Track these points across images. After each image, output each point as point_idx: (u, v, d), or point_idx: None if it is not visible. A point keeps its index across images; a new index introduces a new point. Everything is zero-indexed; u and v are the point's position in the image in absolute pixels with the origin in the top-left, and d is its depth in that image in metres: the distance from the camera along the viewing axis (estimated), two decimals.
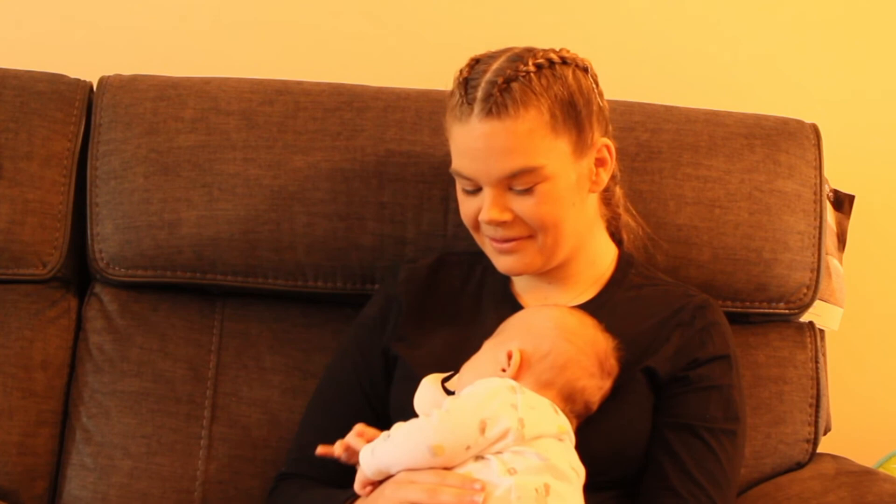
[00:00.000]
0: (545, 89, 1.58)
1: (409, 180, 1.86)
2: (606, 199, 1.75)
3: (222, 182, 1.86)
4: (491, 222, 1.61)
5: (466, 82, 1.60)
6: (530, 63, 1.59)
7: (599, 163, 1.66)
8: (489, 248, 1.66)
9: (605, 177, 1.67)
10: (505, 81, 1.57)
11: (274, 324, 1.92)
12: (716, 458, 1.57)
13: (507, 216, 1.60)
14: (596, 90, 1.64)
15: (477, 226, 1.65)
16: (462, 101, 1.59)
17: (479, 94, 1.57)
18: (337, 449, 1.52)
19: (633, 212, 1.80)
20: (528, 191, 1.59)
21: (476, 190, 1.62)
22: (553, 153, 1.59)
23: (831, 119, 2.05)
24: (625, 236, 1.78)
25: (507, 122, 1.56)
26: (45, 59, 2.07)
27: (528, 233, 1.62)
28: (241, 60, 2.16)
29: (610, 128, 1.69)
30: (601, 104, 1.65)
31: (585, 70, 1.64)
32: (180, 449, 1.84)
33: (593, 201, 1.69)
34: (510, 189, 1.59)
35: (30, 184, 1.88)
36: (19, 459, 1.82)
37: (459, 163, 1.62)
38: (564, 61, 1.62)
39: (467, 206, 1.64)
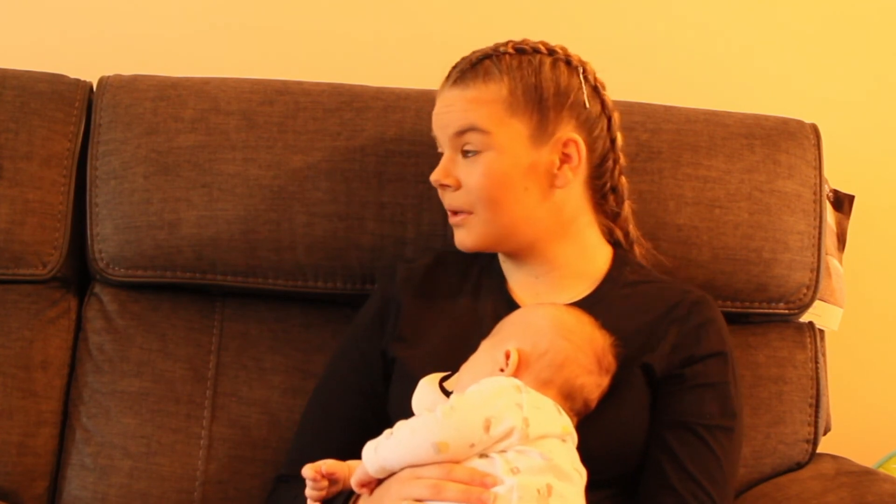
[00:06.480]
0: (513, 69, 1.64)
1: (409, 180, 1.86)
2: (605, 210, 1.73)
3: (222, 182, 1.86)
4: (434, 182, 1.68)
5: (457, 62, 1.68)
6: (510, 46, 1.66)
7: (565, 158, 1.65)
8: (450, 221, 1.70)
9: (570, 175, 1.65)
10: (480, 58, 1.66)
11: (274, 324, 1.92)
12: (713, 455, 1.57)
13: (449, 180, 1.66)
14: (583, 89, 1.65)
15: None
16: (446, 77, 1.68)
17: (457, 67, 1.67)
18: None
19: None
20: (475, 158, 1.63)
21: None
22: (505, 129, 1.63)
23: (831, 119, 2.05)
24: (637, 250, 1.77)
25: (467, 92, 1.64)
26: (45, 59, 2.07)
27: (468, 207, 1.65)
28: (241, 60, 2.16)
29: (614, 141, 1.70)
30: (586, 104, 1.65)
31: (575, 68, 1.66)
32: (180, 449, 1.84)
33: (572, 201, 1.68)
34: (464, 155, 1.64)
35: (30, 184, 1.88)
36: (19, 459, 1.82)
37: (433, 129, 1.70)
38: (551, 53, 1.67)
39: None
